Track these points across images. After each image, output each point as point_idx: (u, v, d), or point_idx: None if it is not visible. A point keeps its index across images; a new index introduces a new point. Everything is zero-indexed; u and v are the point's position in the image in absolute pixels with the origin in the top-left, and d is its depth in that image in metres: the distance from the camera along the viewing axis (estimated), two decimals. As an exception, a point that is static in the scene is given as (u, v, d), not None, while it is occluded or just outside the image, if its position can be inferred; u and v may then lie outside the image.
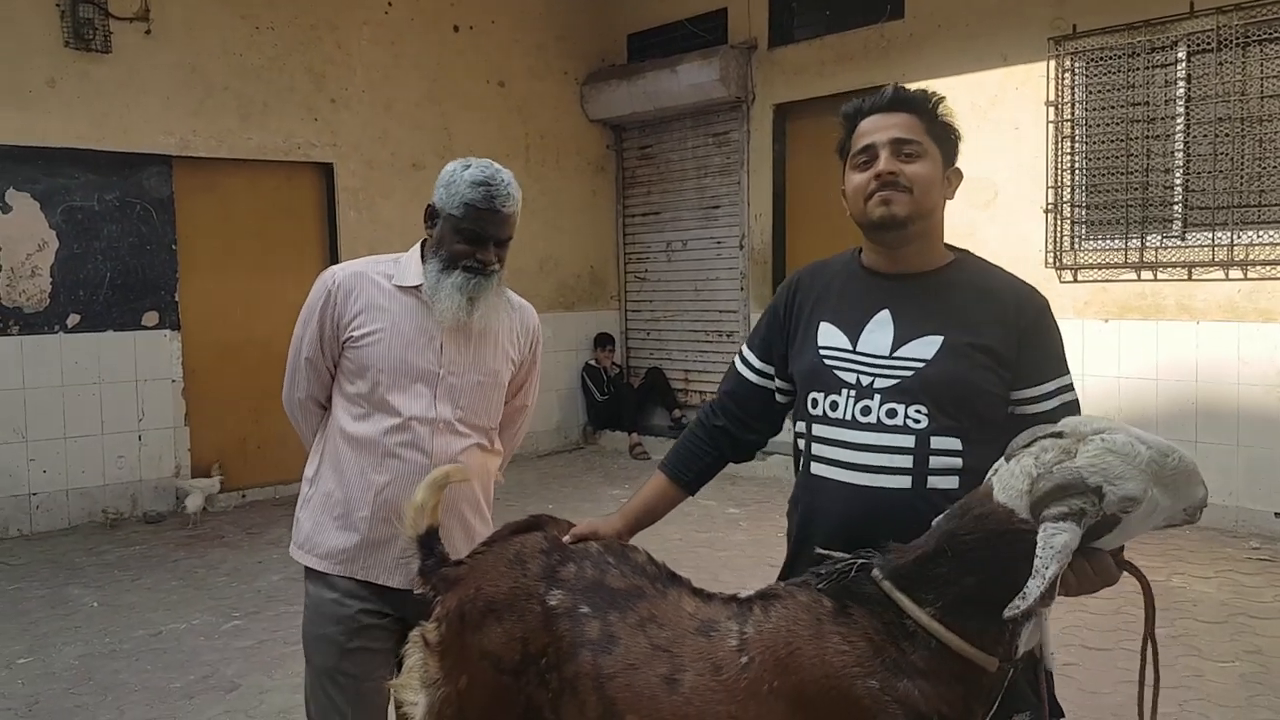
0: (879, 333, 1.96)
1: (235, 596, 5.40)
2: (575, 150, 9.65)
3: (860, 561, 1.79)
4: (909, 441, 1.87)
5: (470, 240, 2.40)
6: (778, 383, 2.16)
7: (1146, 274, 6.47)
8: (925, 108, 1.99)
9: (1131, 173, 6.52)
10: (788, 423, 2.23)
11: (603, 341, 9.62)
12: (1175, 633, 4.49)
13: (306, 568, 2.54)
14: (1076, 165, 6.79)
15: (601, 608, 1.93)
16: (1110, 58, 6.55)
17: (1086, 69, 6.70)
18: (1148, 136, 6.44)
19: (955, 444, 1.87)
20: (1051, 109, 6.78)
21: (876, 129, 1.97)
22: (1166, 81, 6.35)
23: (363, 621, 2.46)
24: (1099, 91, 6.66)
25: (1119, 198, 6.59)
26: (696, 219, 9.30)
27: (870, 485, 1.89)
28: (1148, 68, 6.38)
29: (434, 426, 2.43)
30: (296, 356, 2.54)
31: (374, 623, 2.47)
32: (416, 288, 2.45)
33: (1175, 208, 6.37)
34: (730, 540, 6.26)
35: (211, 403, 7.58)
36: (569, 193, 9.59)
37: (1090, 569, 1.66)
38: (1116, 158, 6.59)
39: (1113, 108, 6.58)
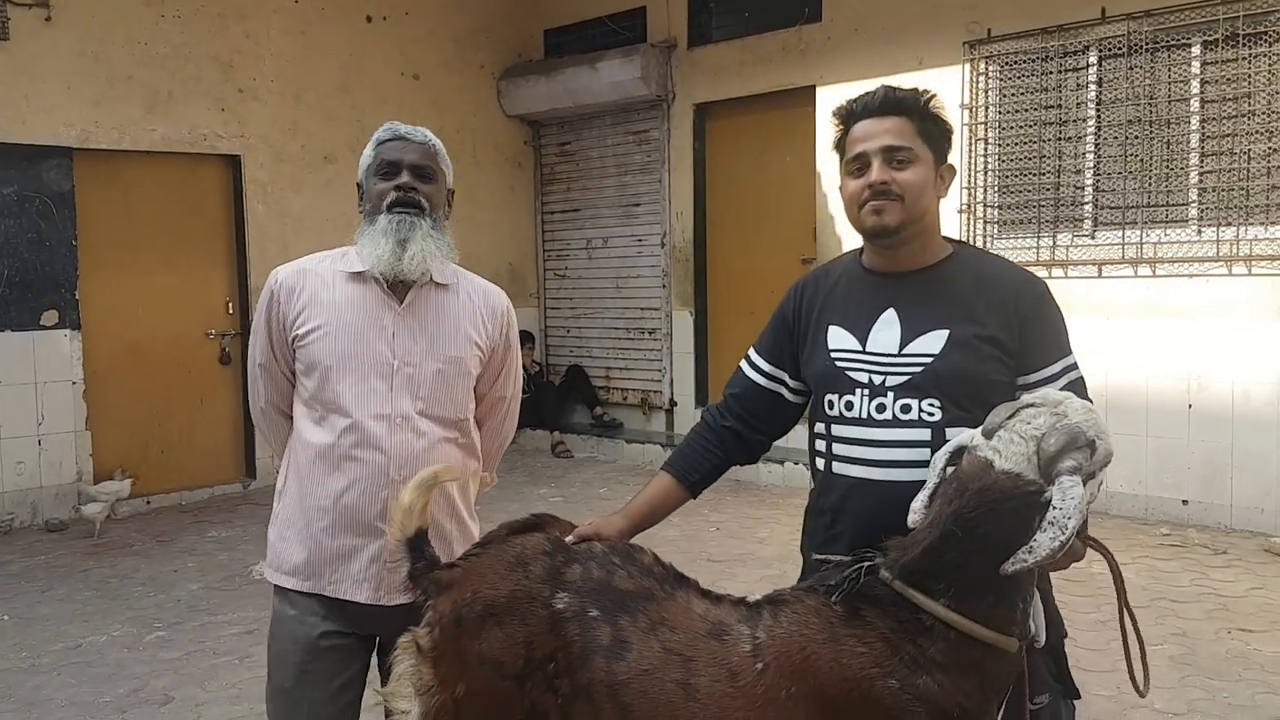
0: (886, 331, 2.00)
1: (154, 607, 5.18)
2: (492, 145, 9.52)
3: (866, 565, 1.80)
4: (925, 435, 1.92)
5: (387, 174, 2.35)
6: (791, 384, 2.19)
7: (1058, 272, 6.68)
8: (916, 108, 2.01)
9: (1044, 173, 6.73)
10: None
11: (523, 339, 9.44)
12: (1103, 618, 4.63)
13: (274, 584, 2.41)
14: (990, 166, 6.96)
15: (611, 611, 1.90)
16: (1024, 61, 6.75)
17: (1000, 72, 6.88)
18: (1060, 138, 6.65)
19: None
20: (966, 111, 6.94)
21: (868, 136, 2.00)
22: (1078, 85, 6.57)
23: (324, 643, 2.32)
24: (1012, 94, 6.85)
25: (1031, 198, 6.80)
26: (617, 217, 9.27)
27: (892, 480, 1.93)
28: (1060, 71, 6.60)
29: (391, 423, 2.29)
30: (252, 364, 2.44)
31: (337, 643, 2.34)
32: (365, 273, 2.35)
33: (1086, 207, 6.59)
34: (664, 536, 6.24)
35: (114, 406, 7.24)
36: (486, 188, 9.45)
37: None
38: (1029, 159, 6.79)
39: (1026, 110, 6.78)
